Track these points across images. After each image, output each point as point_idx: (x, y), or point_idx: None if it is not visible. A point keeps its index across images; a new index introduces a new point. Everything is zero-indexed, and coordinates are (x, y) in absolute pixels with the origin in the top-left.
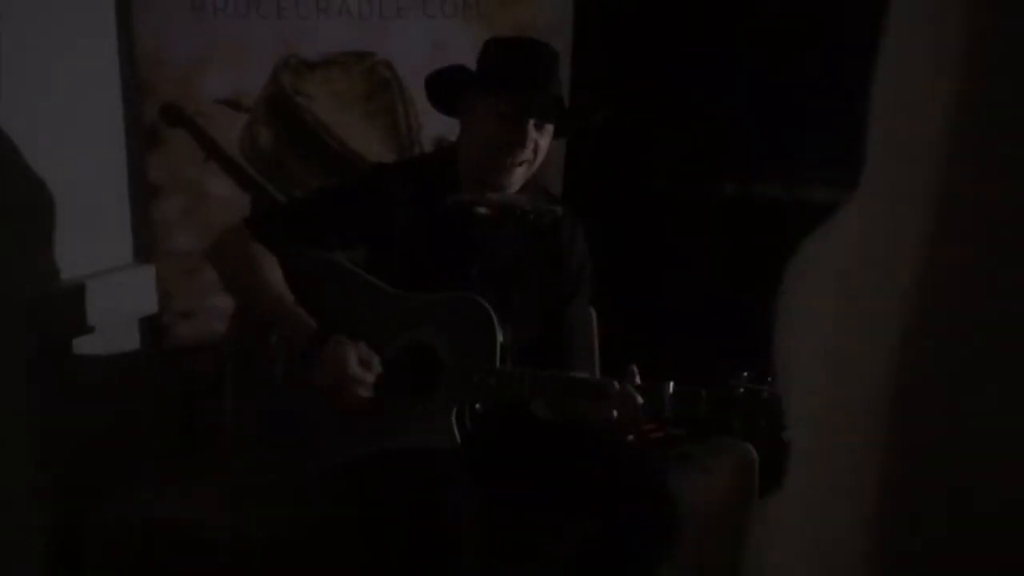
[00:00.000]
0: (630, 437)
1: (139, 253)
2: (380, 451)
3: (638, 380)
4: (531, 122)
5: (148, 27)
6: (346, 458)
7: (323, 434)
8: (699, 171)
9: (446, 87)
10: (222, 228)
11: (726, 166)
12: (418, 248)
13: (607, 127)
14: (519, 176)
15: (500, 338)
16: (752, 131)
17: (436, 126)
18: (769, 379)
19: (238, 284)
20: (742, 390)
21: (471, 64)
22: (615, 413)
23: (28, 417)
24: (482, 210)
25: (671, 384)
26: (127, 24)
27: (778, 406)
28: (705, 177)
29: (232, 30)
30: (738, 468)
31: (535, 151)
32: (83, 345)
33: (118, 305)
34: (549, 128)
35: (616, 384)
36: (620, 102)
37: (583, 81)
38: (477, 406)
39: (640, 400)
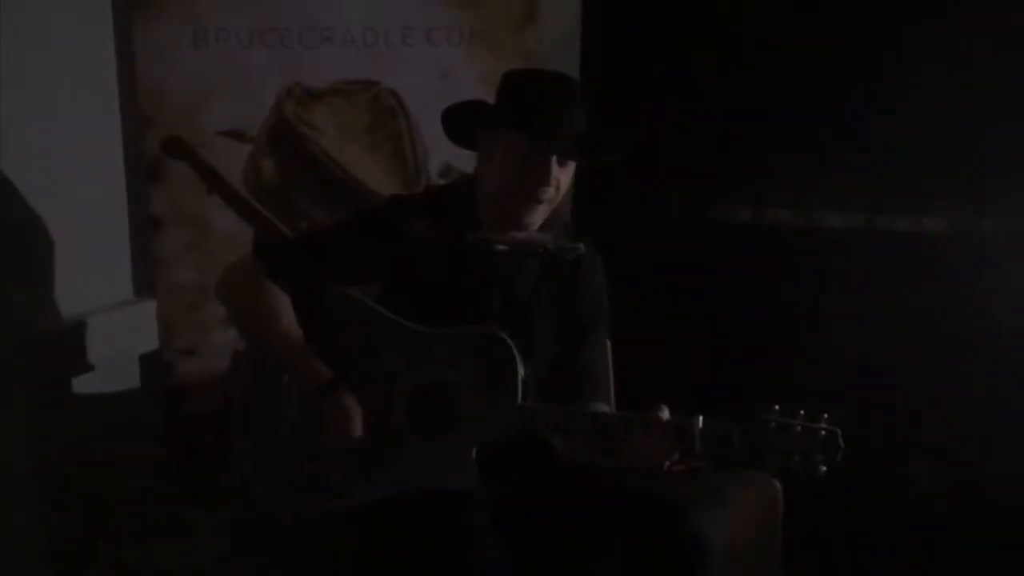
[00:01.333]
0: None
1: (140, 288)
2: (398, 494)
3: (667, 415)
4: (553, 159)
5: (149, 59)
6: (361, 502)
7: (338, 476)
8: (712, 196)
9: (463, 122)
10: (231, 262)
11: (740, 191)
12: (435, 283)
13: (626, 160)
14: (540, 213)
15: (521, 372)
16: (765, 155)
17: (443, 156)
18: (801, 412)
19: (247, 321)
20: (774, 424)
21: (479, 93)
22: (643, 449)
23: (28, 458)
24: (502, 247)
25: (701, 419)
26: (128, 56)
27: (817, 439)
28: (718, 202)
29: (235, 61)
30: (762, 501)
31: (556, 188)
32: (83, 383)
33: (119, 342)
34: (571, 164)
35: (644, 420)
36: (631, 127)
37: (591, 106)
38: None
39: (673, 438)
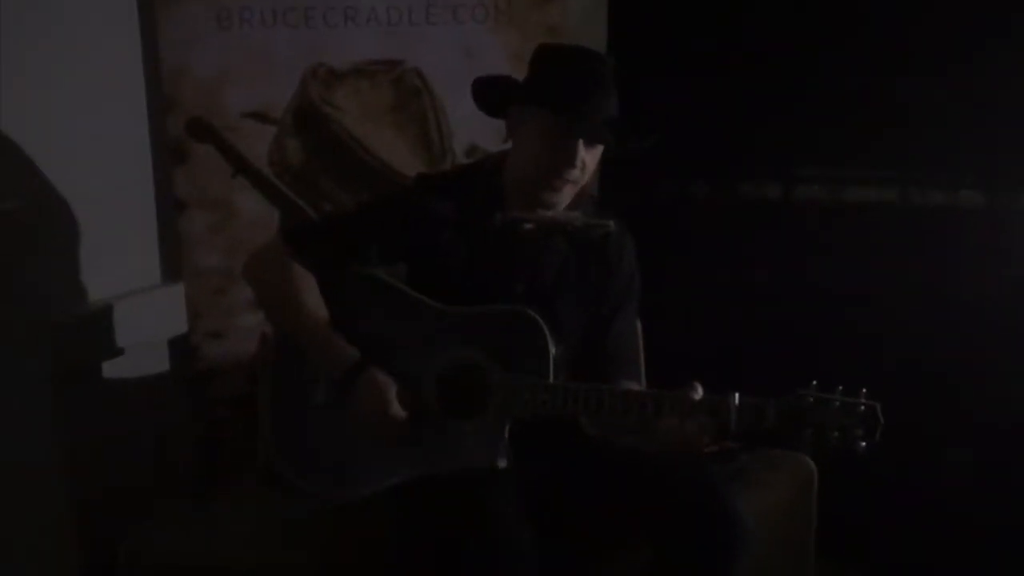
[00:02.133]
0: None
1: (167, 272)
2: (426, 476)
3: (700, 393)
4: (581, 141)
5: (173, 40)
6: (389, 484)
7: (366, 459)
8: (740, 174)
9: (492, 97)
10: (258, 244)
11: (769, 168)
12: (462, 264)
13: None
14: (567, 194)
15: (553, 351)
16: (793, 132)
17: (469, 136)
18: (840, 388)
19: (274, 304)
20: (811, 399)
21: (505, 71)
22: (677, 428)
23: (56, 442)
24: (530, 226)
25: (737, 396)
26: (152, 38)
27: (856, 414)
28: (746, 180)
29: (258, 41)
30: (796, 482)
31: (583, 169)
32: (112, 368)
33: (147, 326)
34: (598, 147)
35: (678, 397)
36: (659, 106)
37: (622, 87)
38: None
39: (707, 416)
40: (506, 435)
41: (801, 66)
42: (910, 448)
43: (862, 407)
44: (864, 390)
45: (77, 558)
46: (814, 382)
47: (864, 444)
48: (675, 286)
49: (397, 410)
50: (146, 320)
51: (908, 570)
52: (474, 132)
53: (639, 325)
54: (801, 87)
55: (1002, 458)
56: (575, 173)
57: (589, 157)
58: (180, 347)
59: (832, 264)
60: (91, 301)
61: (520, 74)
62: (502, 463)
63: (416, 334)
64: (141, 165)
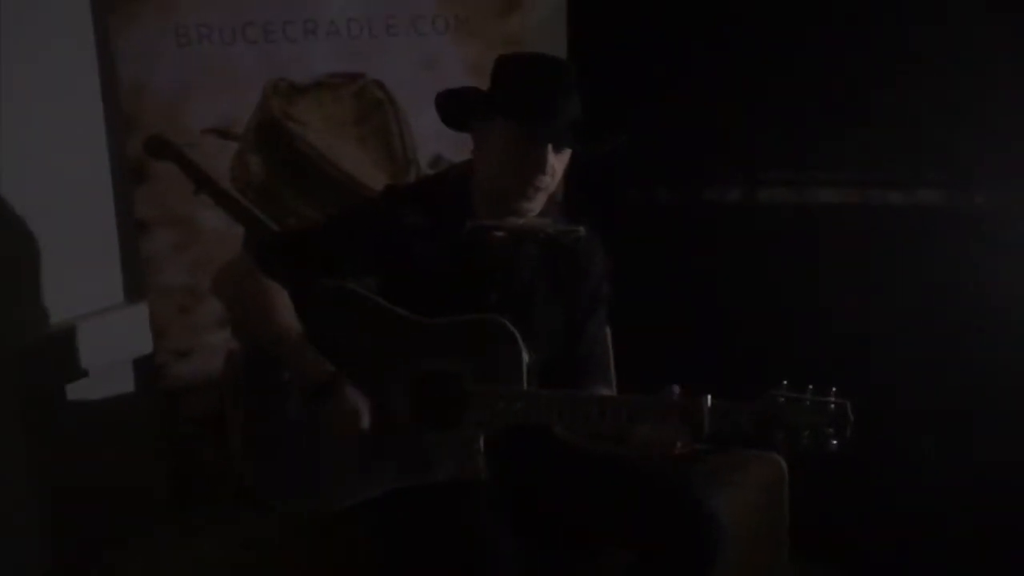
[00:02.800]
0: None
1: (130, 292)
2: (403, 488)
3: (677, 394)
4: (549, 147)
5: (130, 58)
6: (365, 497)
7: (341, 473)
8: (703, 178)
9: (456, 110)
10: (227, 259)
11: (731, 173)
12: (433, 274)
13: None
14: (538, 201)
15: (526, 359)
16: (757, 134)
17: (433, 147)
18: (810, 387)
19: (245, 318)
20: (782, 399)
21: (466, 82)
22: (652, 432)
23: (24, 466)
24: (500, 234)
25: (709, 398)
26: (108, 56)
27: (827, 412)
28: (709, 185)
29: (218, 57)
30: (767, 481)
31: (552, 175)
32: (77, 390)
33: (111, 347)
34: (567, 151)
35: (652, 401)
36: (619, 111)
37: (583, 90)
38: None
39: (680, 419)
40: (481, 445)
41: (765, 68)
42: (882, 444)
43: (832, 405)
44: (834, 388)
45: None
46: (784, 382)
47: (835, 443)
48: (639, 292)
49: (363, 431)
50: (111, 340)
51: (884, 566)
52: (438, 143)
53: (608, 329)
54: (763, 90)
55: (969, 450)
56: (546, 180)
57: (558, 162)
58: (145, 367)
59: (798, 266)
60: (54, 323)
61: (482, 84)
62: (479, 473)
63: (390, 346)
64: (101, 184)
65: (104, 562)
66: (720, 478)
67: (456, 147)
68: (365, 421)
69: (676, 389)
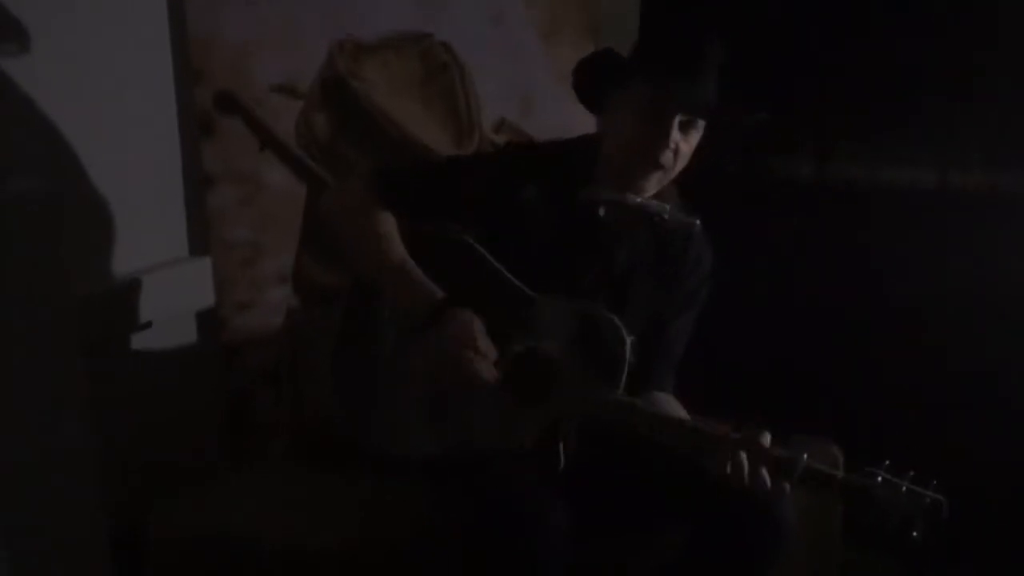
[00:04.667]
0: None
1: (195, 246)
2: (462, 454)
3: (769, 441)
4: (676, 121)
5: (200, 11)
6: (423, 458)
7: (421, 420)
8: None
9: (593, 74)
10: (343, 184)
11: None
12: (538, 242)
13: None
14: (656, 180)
15: (628, 364)
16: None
17: (498, 109)
18: (911, 473)
19: (355, 245)
20: (880, 479)
21: (532, 41)
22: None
23: (86, 418)
24: (602, 211)
25: (805, 457)
26: (179, 9)
27: (921, 506)
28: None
29: (286, 13)
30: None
31: (675, 155)
32: (140, 341)
33: (175, 299)
34: (694, 133)
35: (747, 444)
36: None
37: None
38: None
39: (765, 476)
40: (560, 436)
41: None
42: (937, 433)
43: (928, 500)
44: (935, 482)
45: (105, 531)
46: (887, 462)
47: (917, 536)
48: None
49: (486, 344)
50: (174, 293)
51: (939, 556)
52: (503, 107)
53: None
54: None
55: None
56: (668, 155)
57: (684, 143)
58: (208, 320)
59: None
60: (118, 274)
61: (548, 47)
62: (555, 458)
63: (495, 310)
64: (169, 138)
65: (158, 513)
66: None
67: (520, 112)
68: (480, 340)
69: (768, 438)
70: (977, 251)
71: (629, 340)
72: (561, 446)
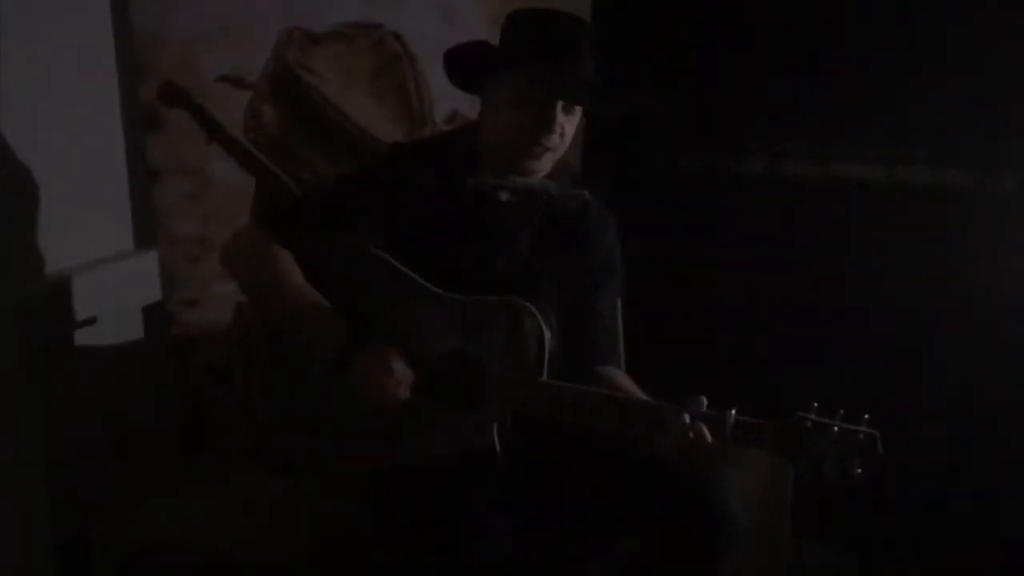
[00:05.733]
0: None
1: (140, 240)
2: (409, 461)
3: (704, 407)
4: (559, 105)
5: (145, 3)
6: (374, 466)
7: (355, 440)
8: (725, 146)
9: (466, 64)
10: (234, 231)
11: (754, 142)
12: (439, 238)
13: (636, 110)
14: (546, 161)
15: (549, 347)
16: (780, 105)
17: (450, 102)
18: (840, 412)
19: (259, 289)
20: (809, 423)
21: (487, 35)
22: (669, 439)
23: (29, 417)
24: (504, 195)
25: (733, 414)
26: (121, 1)
27: (854, 443)
28: (733, 154)
29: (234, 4)
30: (772, 469)
31: (561, 136)
32: (85, 337)
33: (120, 294)
34: (577, 112)
35: (679, 415)
36: (641, 74)
37: (602, 51)
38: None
39: (706, 435)
40: (496, 430)
41: (797, 42)
42: (889, 426)
43: (861, 435)
44: (866, 416)
45: (49, 539)
46: (815, 404)
47: (860, 473)
48: (654, 261)
49: (402, 369)
50: (119, 287)
51: (886, 547)
52: (456, 99)
53: (619, 306)
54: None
55: (983, 436)
56: (554, 139)
57: (567, 123)
58: (155, 315)
59: (816, 240)
60: (62, 269)
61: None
62: (493, 454)
63: (412, 317)
64: (113, 131)
65: (106, 518)
66: (729, 458)
67: (473, 103)
68: (397, 375)
69: (704, 401)
70: (924, 244)
71: (548, 326)
72: (495, 430)
